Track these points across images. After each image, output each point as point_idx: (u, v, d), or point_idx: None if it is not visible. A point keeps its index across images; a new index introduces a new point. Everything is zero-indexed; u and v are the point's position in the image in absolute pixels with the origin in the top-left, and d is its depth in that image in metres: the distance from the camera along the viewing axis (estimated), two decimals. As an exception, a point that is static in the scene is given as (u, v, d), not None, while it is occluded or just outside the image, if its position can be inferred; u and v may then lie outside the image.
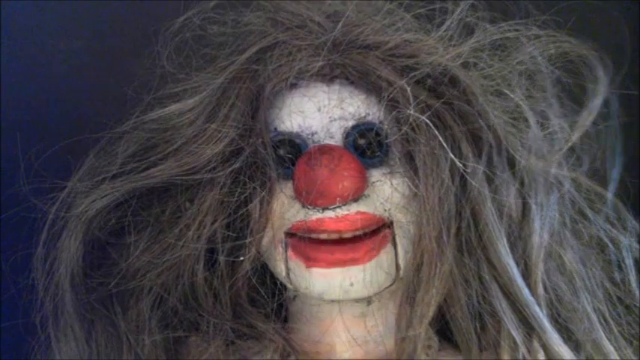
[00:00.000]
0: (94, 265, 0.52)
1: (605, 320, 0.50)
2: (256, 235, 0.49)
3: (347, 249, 0.48)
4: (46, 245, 0.53)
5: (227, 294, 0.51)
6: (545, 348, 0.47)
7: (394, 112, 0.49)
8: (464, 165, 0.47)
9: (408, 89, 0.48)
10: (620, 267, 0.51)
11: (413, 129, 0.48)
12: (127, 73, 0.59)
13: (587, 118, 0.51)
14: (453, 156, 0.47)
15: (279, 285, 0.53)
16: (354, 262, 0.48)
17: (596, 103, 0.51)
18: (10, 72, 0.65)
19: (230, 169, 0.49)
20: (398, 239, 0.50)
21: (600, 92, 0.51)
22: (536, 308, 0.47)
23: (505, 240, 0.48)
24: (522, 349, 0.46)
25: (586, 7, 0.56)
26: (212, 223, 0.49)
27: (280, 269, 0.51)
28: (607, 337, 0.49)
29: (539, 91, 0.51)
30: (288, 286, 0.51)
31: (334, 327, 0.52)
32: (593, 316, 0.49)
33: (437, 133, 0.47)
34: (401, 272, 0.50)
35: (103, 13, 0.68)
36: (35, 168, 0.53)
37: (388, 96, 0.49)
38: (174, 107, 0.52)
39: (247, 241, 0.49)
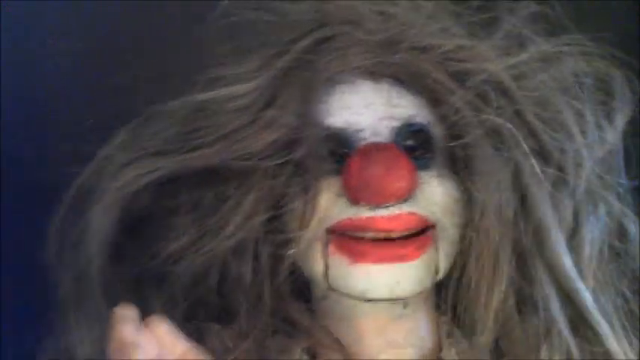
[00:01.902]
0: (126, 243, 0.49)
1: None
2: (302, 229, 0.48)
3: (396, 245, 0.48)
4: (65, 220, 0.50)
5: (269, 288, 0.49)
6: (596, 343, 0.48)
7: (457, 117, 0.49)
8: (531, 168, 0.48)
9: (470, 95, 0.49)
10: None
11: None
12: (128, 72, 0.59)
13: (613, 135, 0.53)
14: (534, 162, 0.48)
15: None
16: (403, 258, 0.48)
17: (620, 122, 0.53)
18: (10, 72, 0.64)
19: (285, 159, 0.48)
20: (440, 242, 0.50)
21: (626, 113, 0.53)
22: (594, 309, 0.48)
23: (565, 245, 0.49)
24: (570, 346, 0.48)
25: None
26: (260, 214, 0.48)
27: (318, 267, 0.49)
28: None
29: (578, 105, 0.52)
30: (323, 285, 0.50)
31: (370, 329, 0.50)
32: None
33: (519, 138, 0.48)
34: (439, 275, 0.50)
35: (103, 12, 0.67)
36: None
37: (452, 101, 0.49)
38: (226, 90, 0.50)
39: (294, 235, 0.48)
